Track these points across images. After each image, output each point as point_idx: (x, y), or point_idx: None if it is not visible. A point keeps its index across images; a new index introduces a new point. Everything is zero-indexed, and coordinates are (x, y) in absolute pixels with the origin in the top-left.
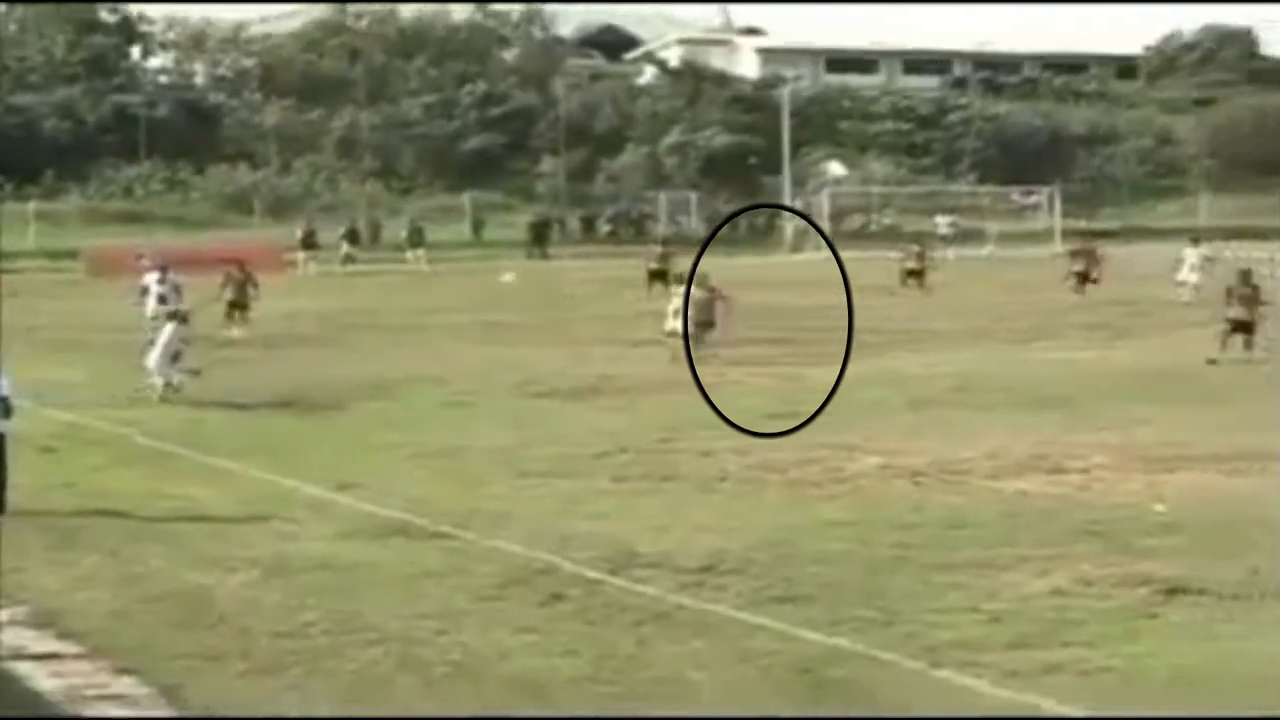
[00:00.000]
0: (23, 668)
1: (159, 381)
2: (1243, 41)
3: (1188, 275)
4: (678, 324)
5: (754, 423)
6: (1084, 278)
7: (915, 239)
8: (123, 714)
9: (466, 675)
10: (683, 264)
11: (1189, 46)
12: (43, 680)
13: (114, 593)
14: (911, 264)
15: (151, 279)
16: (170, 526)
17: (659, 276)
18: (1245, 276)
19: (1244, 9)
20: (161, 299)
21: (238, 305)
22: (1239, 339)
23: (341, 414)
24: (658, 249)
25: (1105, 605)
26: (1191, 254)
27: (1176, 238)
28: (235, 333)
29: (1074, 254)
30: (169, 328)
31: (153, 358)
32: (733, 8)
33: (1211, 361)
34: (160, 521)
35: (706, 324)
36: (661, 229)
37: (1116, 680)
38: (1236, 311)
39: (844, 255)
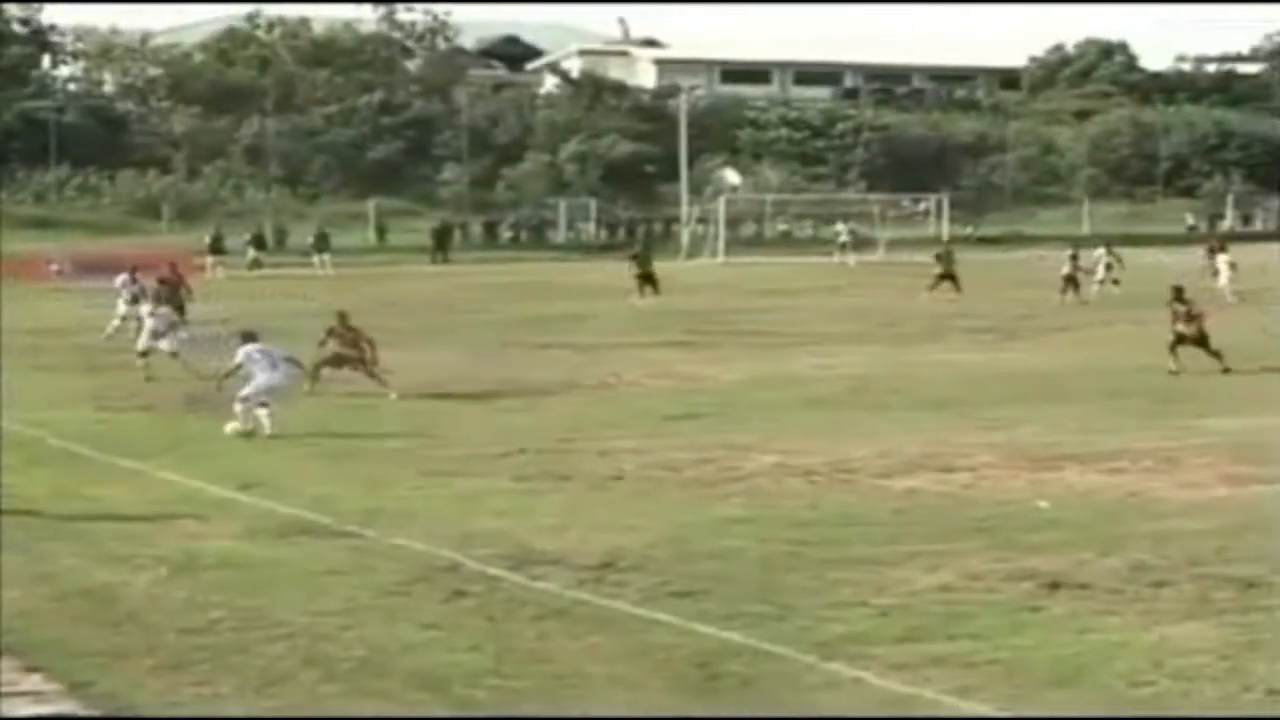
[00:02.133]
0: None
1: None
2: (1122, 54)
3: (1103, 274)
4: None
5: (650, 424)
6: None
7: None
8: (32, 711)
9: (371, 669)
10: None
11: (1070, 59)
12: None
13: (23, 591)
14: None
15: (121, 281)
16: (80, 525)
17: (648, 280)
18: (1179, 292)
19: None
20: (134, 299)
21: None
22: (1183, 350)
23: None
24: (638, 252)
25: (992, 599)
26: (1104, 255)
27: (1058, 244)
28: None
29: (937, 257)
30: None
31: (143, 340)
32: (631, 20)
33: (1173, 373)
34: (70, 520)
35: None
36: (561, 235)
37: (1002, 671)
38: (1183, 327)
39: (741, 262)
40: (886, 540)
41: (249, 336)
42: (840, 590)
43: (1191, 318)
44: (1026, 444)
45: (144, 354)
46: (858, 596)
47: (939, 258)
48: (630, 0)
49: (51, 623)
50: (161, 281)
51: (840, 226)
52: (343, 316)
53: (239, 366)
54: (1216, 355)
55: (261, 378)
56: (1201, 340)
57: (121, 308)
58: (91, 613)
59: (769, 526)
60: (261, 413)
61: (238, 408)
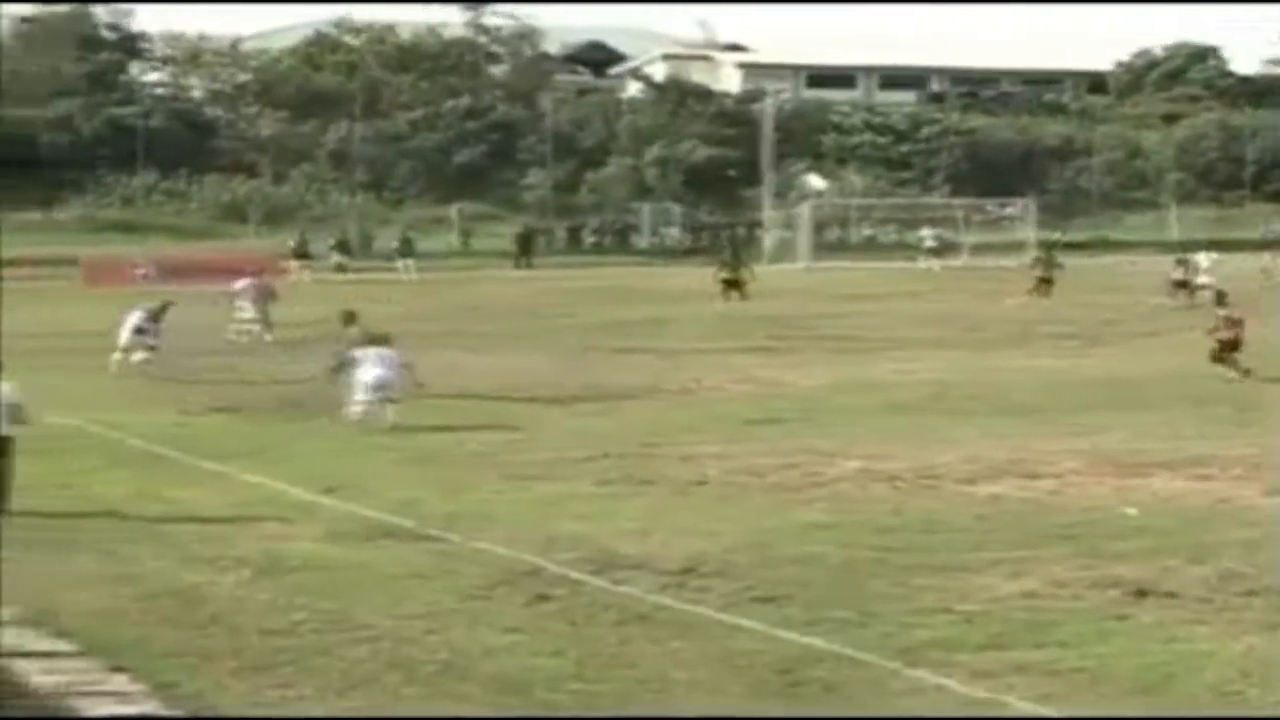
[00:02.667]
0: (18, 665)
1: None
2: (1211, 58)
3: (1205, 279)
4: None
5: (732, 429)
6: (1045, 282)
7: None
8: (116, 711)
9: (453, 673)
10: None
11: (1158, 63)
12: (37, 677)
13: (108, 592)
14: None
15: (242, 285)
16: (163, 527)
17: (734, 286)
18: (1221, 297)
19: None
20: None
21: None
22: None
23: (326, 418)
24: (727, 258)
25: (1077, 606)
26: (1204, 259)
27: (1145, 249)
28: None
29: (1034, 262)
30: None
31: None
32: (715, 24)
33: (1230, 380)
34: (153, 522)
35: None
36: (644, 240)
37: (1086, 680)
38: (1224, 334)
39: (824, 267)
40: (970, 546)
41: (379, 340)
42: (924, 596)
43: (1233, 323)
44: (1112, 450)
45: (125, 350)
46: (941, 603)
47: (1038, 261)
48: (711, 0)
49: (136, 623)
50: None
51: (925, 232)
52: (349, 316)
53: (351, 363)
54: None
55: (374, 373)
56: (1235, 346)
57: (248, 311)
58: (176, 614)
59: (852, 532)
60: (388, 409)
61: (356, 408)
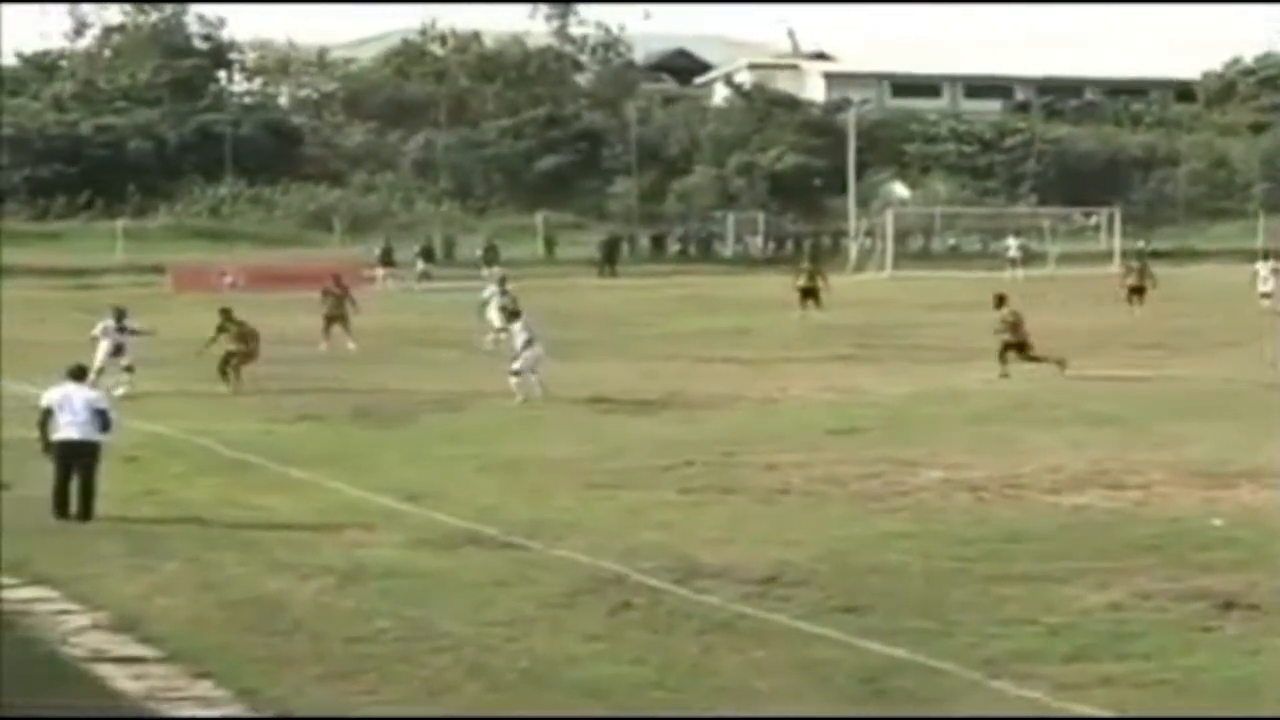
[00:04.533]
0: (103, 670)
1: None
2: None
3: (1270, 286)
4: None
5: (814, 438)
6: (1137, 291)
7: None
8: (200, 713)
9: (534, 681)
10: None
11: (1247, 71)
12: (124, 682)
13: (192, 598)
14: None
15: (490, 292)
16: (247, 534)
17: (810, 294)
18: (1000, 300)
19: None
20: (503, 309)
21: (335, 319)
22: None
23: (409, 426)
24: (806, 266)
25: (1162, 618)
26: (1263, 267)
27: (1231, 259)
28: (323, 347)
29: (1127, 270)
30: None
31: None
32: (800, 33)
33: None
34: (237, 529)
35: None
36: (729, 249)
37: (1172, 692)
38: (1006, 335)
39: (908, 275)
40: (1055, 557)
41: (514, 314)
42: (1007, 607)
43: (1012, 325)
44: (1198, 460)
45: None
46: (1025, 614)
47: (1130, 270)
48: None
49: (219, 629)
50: (325, 293)
51: (1010, 241)
52: (226, 313)
53: (528, 341)
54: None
55: (528, 351)
56: (1020, 348)
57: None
58: (259, 620)
59: (934, 542)
60: (533, 379)
61: (513, 381)
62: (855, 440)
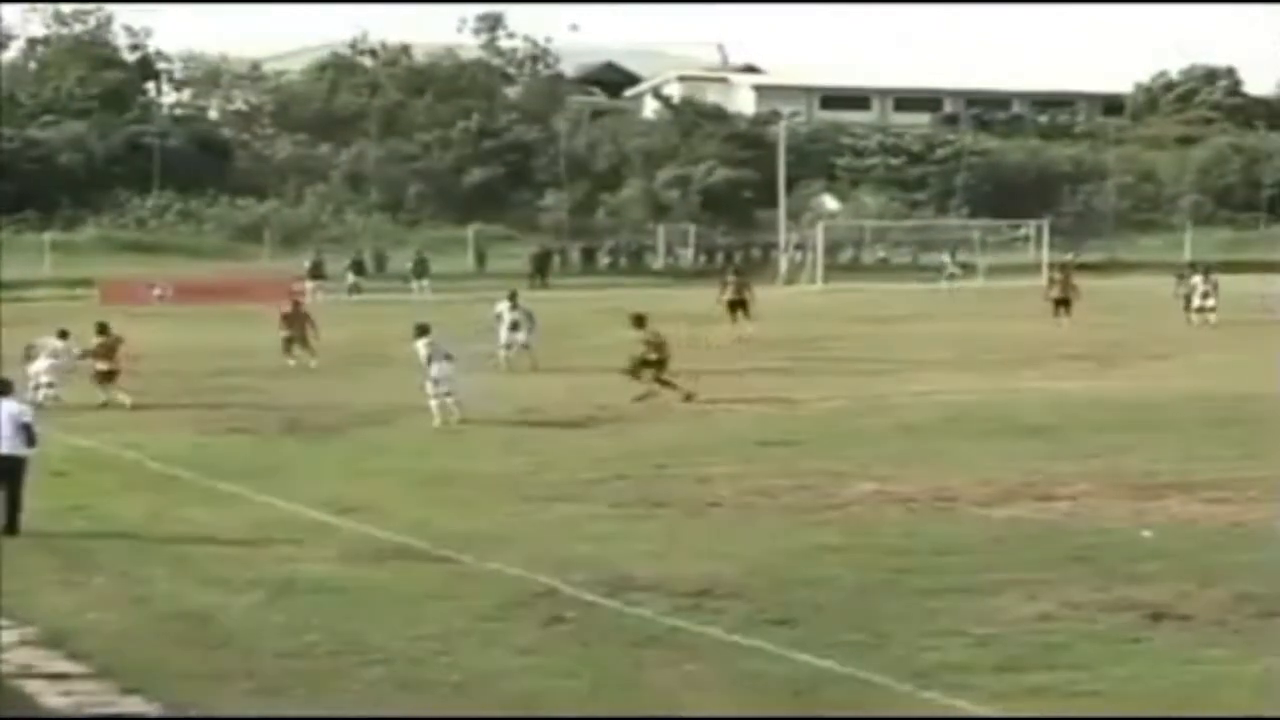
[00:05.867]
0: (32, 686)
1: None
2: (1227, 80)
3: (1202, 301)
4: None
5: (746, 450)
6: (1062, 303)
7: None
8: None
9: (466, 695)
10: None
11: (1173, 84)
12: (51, 698)
13: (122, 613)
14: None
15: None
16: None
17: (738, 306)
18: (640, 320)
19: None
20: (514, 325)
21: (295, 340)
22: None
23: (341, 440)
24: (732, 279)
25: (1092, 629)
26: (1200, 282)
27: (1159, 271)
28: (292, 363)
29: (1051, 282)
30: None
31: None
32: (729, 47)
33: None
34: (168, 543)
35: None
36: (660, 261)
37: (1102, 703)
38: (647, 353)
39: (838, 288)
40: (985, 569)
41: (421, 330)
42: (938, 619)
43: (654, 345)
44: (1127, 472)
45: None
46: (956, 625)
47: (1053, 282)
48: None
49: (150, 645)
50: (285, 317)
51: (945, 257)
52: (101, 327)
53: (425, 362)
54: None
55: (434, 369)
56: (658, 365)
57: (503, 335)
58: (189, 635)
59: (866, 554)
60: (449, 401)
61: (432, 403)
62: (787, 452)
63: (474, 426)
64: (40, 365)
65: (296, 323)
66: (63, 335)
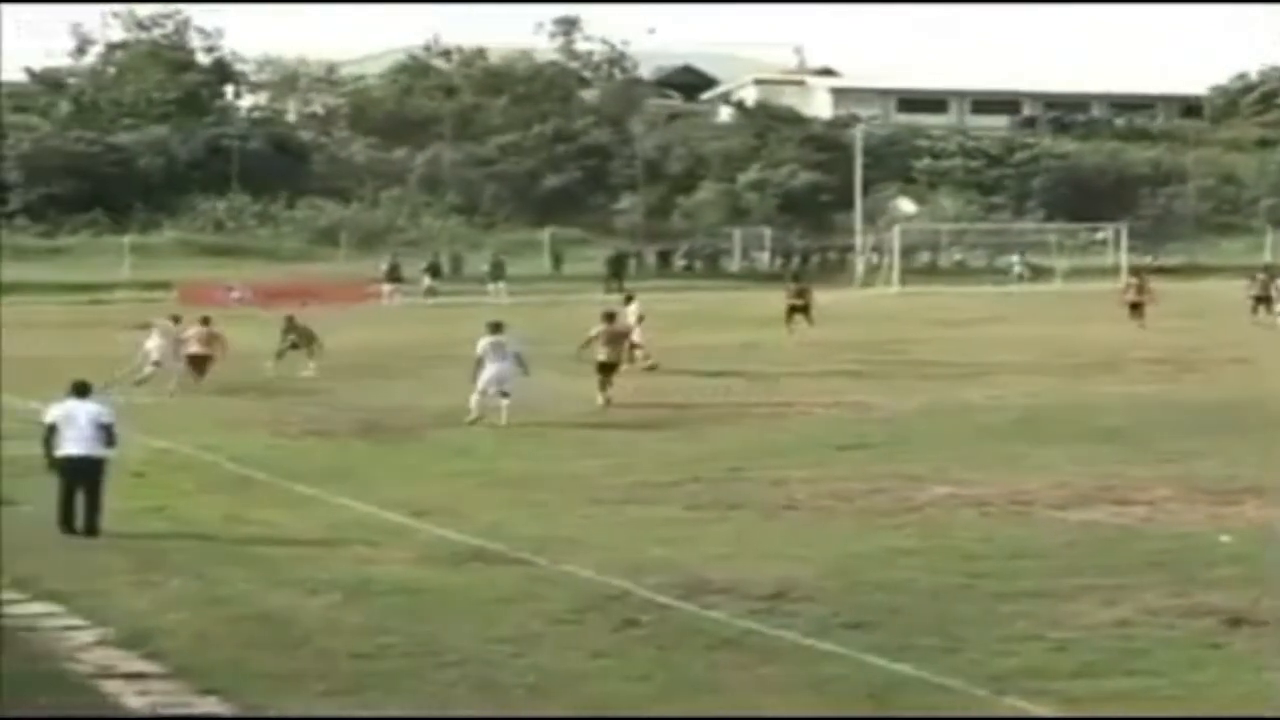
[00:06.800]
0: (110, 686)
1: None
2: None
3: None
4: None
5: (821, 453)
6: (1136, 307)
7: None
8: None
9: (540, 697)
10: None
11: (1253, 86)
12: (129, 698)
13: (198, 614)
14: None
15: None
16: (253, 549)
17: (797, 311)
18: (610, 317)
19: None
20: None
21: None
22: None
23: (416, 442)
24: (792, 285)
25: (1170, 635)
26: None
27: (1239, 275)
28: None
29: (1127, 286)
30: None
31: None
32: (807, 50)
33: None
34: (244, 544)
35: None
36: (736, 264)
37: (1180, 708)
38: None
39: (914, 291)
40: (1061, 573)
41: (495, 327)
42: (1014, 623)
43: (615, 338)
44: (1205, 477)
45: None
46: (1032, 630)
47: (1129, 286)
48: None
49: (226, 645)
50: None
51: (1014, 258)
52: (205, 319)
53: (478, 360)
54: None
55: (490, 369)
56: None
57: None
58: (265, 636)
59: (941, 558)
60: (502, 403)
61: (473, 399)
62: (862, 455)
63: (548, 428)
64: (153, 343)
65: (296, 332)
66: (175, 320)
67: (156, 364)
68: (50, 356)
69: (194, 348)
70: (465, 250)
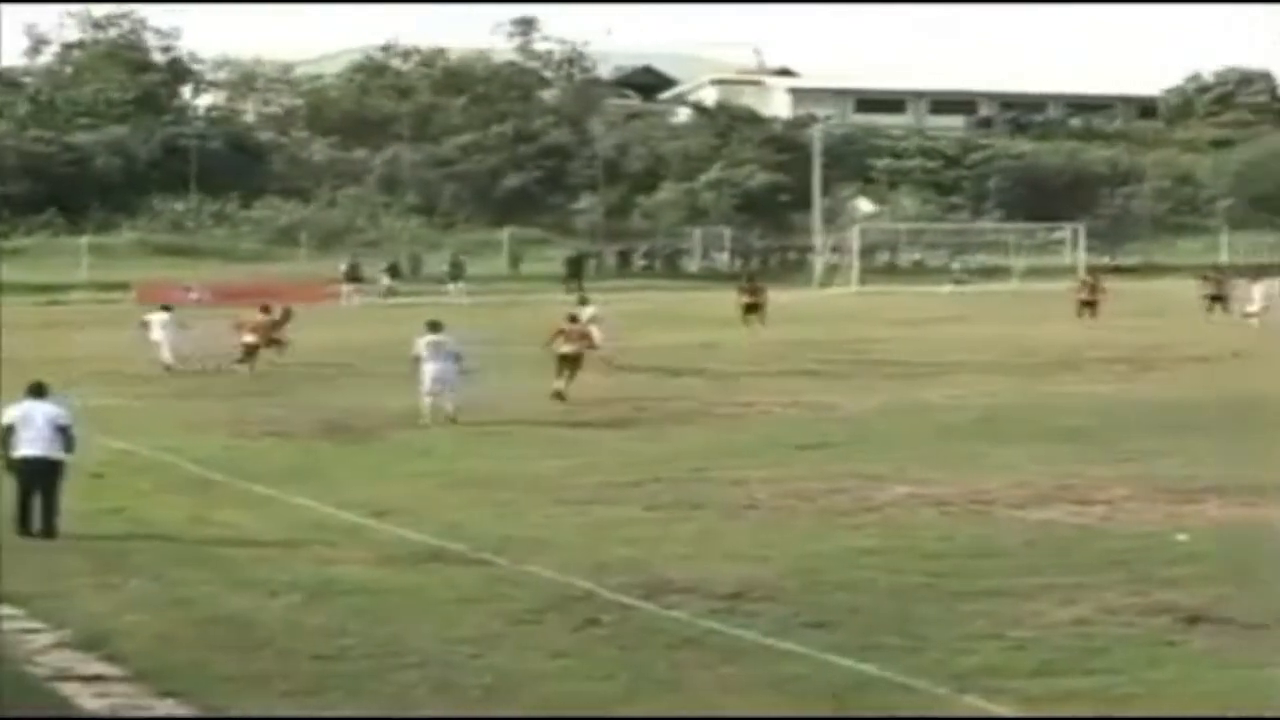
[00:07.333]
0: (68, 688)
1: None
2: (1262, 83)
3: (1256, 308)
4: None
5: (781, 453)
6: (1089, 305)
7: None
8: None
9: (500, 698)
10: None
11: (1208, 87)
12: (88, 700)
13: (158, 616)
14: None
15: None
16: (214, 551)
17: (751, 310)
18: (575, 318)
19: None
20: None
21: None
22: None
23: (376, 442)
24: (745, 285)
25: (1129, 633)
26: (1258, 288)
27: (1196, 275)
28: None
29: (1080, 285)
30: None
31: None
32: (765, 50)
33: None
34: (204, 545)
35: None
36: (695, 264)
37: (1140, 707)
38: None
39: (872, 290)
40: (1021, 572)
41: (434, 326)
42: (974, 622)
43: (580, 336)
44: (1164, 476)
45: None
46: (992, 629)
47: (1083, 285)
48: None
49: (186, 647)
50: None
51: (955, 263)
52: (265, 308)
53: (416, 359)
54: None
55: (429, 367)
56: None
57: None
58: (226, 638)
59: (902, 557)
60: (448, 397)
61: (424, 402)
62: (822, 455)
63: (510, 428)
64: (157, 335)
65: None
66: (166, 309)
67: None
68: (8, 358)
69: (250, 336)
70: (424, 250)
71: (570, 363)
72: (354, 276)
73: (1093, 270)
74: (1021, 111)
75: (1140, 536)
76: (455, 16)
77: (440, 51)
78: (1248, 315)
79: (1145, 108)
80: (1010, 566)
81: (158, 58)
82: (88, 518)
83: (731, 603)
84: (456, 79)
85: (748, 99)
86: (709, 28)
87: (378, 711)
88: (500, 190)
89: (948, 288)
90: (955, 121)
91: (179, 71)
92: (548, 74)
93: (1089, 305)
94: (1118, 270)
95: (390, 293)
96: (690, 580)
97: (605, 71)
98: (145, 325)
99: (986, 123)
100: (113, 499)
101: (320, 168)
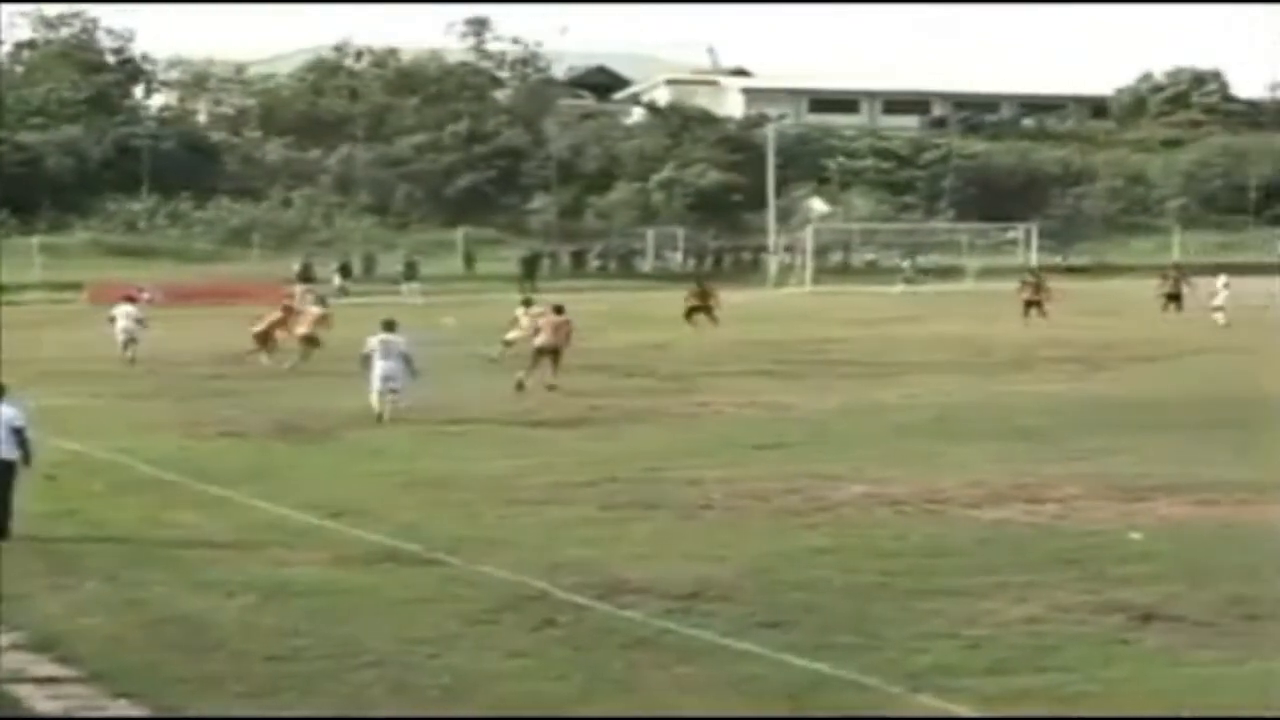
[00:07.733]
0: (22, 690)
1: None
2: (1213, 83)
3: (1222, 302)
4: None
5: (736, 453)
6: (1033, 304)
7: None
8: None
9: (456, 698)
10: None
11: (1160, 87)
12: (41, 702)
13: (113, 617)
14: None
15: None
16: (168, 552)
17: (696, 311)
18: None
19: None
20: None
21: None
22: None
23: (331, 443)
24: (693, 286)
25: (1082, 631)
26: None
27: (1149, 274)
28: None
29: (1023, 285)
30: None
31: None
32: (719, 50)
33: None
34: (158, 547)
35: None
36: (649, 264)
37: (1092, 705)
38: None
39: (826, 290)
40: (975, 571)
41: (388, 325)
42: (929, 621)
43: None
44: (1116, 475)
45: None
46: (946, 628)
47: (1025, 285)
48: None
49: (141, 649)
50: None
51: (905, 263)
52: (321, 301)
53: (366, 357)
54: None
55: (378, 365)
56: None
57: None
58: (180, 639)
59: (857, 557)
60: (390, 399)
61: (373, 399)
62: (778, 455)
63: (466, 428)
64: (122, 324)
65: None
66: (130, 299)
67: (133, 338)
68: None
69: (305, 328)
70: (378, 250)
71: (549, 355)
72: (306, 277)
73: (1035, 270)
74: (974, 111)
75: (1093, 535)
76: (408, 16)
77: (393, 51)
78: (1214, 310)
79: (1097, 108)
80: (964, 565)
81: (110, 58)
82: (42, 519)
83: (687, 603)
84: (410, 79)
85: (702, 99)
86: (663, 28)
87: (333, 712)
88: (454, 190)
89: (899, 287)
90: (909, 121)
91: (131, 71)
92: (501, 74)
93: (1034, 305)
94: (1070, 270)
95: (343, 292)
96: (646, 580)
97: (559, 71)
98: (112, 320)
99: (940, 123)
100: (66, 500)
101: (273, 168)
